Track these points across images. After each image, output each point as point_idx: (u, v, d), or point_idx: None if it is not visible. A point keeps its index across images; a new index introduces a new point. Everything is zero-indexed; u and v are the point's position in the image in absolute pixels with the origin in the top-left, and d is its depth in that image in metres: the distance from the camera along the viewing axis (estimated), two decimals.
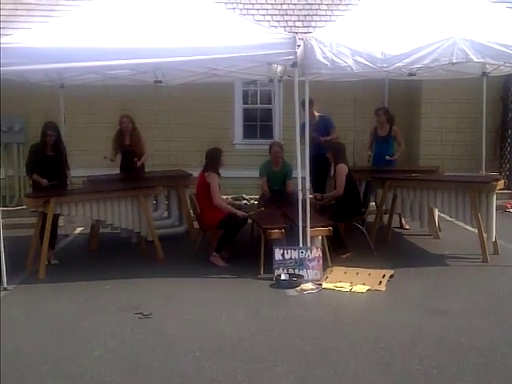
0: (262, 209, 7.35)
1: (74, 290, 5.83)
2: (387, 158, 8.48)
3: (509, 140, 11.18)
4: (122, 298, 5.54)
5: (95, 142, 10.05)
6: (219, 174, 6.87)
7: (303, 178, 6.22)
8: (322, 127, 8.53)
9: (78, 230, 8.62)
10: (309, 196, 6.34)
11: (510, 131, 11.16)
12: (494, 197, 6.74)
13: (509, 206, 10.04)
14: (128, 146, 8.22)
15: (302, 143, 6.20)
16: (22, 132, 10.38)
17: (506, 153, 11.28)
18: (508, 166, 11.21)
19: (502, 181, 7.04)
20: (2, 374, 3.87)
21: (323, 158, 7.58)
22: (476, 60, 6.12)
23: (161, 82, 8.11)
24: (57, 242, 7.16)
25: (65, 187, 7.05)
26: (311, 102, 8.32)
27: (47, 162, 6.83)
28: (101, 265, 6.78)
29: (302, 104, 6.52)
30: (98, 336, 4.61)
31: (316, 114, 8.57)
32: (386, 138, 8.62)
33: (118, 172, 8.37)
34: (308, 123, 6.48)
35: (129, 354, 4.28)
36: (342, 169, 7.05)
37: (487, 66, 7.73)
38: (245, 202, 9.71)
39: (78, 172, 8.13)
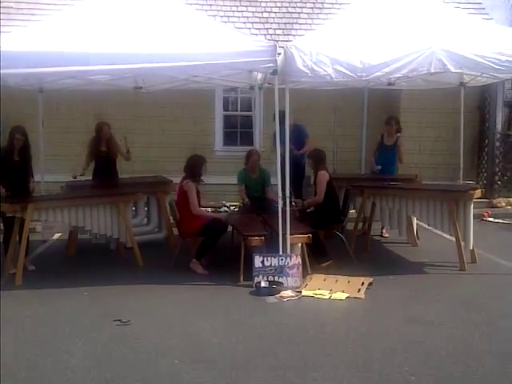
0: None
1: (51, 297, 5.76)
2: (378, 167, 8.52)
3: (486, 149, 11.37)
4: (100, 305, 5.49)
5: (74, 147, 9.96)
6: (201, 181, 6.86)
7: (283, 186, 6.24)
8: (296, 136, 8.52)
9: (56, 235, 8.54)
10: (288, 204, 6.35)
11: (487, 140, 11.34)
12: (472, 205, 6.82)
13: (486, 214, 10.18)
14: (105, 153, 8.14)
15: (282, 151, 6.21)
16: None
17: (484, 162, 11.46)
18: (485, 174, 11.39)
19: (480, 190, 7.13)
20: None
21: (298, 165, 7.60)
22: (454, 70, 6.22)
23: (141, 87, 8.09)
24: (33, 249, 7.06)
25: (28, 195, 6.75)
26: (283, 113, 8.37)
27: (12, 167, 6.60)
28: (79, 271, 6.71)
29: (274, 116, 6.44)
30: (76, 343, 4.56)
31: (290, 123, 8.59)
32: (392, 148, 8.65)
33: (91, 179, 8.20)
34: (288, 131, 6.47)
35: (106, 361, 4.24)
36: (323, 175, 7.08)
37: (465, 76, 7.85)
38: (225, 209, 9.69)
39: (56, 178, 8.06)
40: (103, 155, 8.12)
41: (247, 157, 7.87)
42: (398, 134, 8.72)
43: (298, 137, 8.59)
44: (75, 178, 7.88)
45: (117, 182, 8.11)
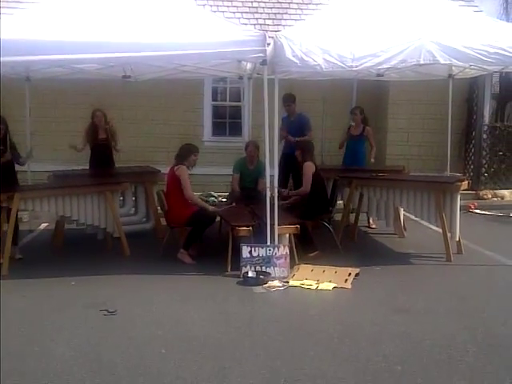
0: (233, 204, 7.36)
1: (38, 287, 5.74)
2: (372, 160, 8.57)
3: (473, 141, 11.43)
4: (87, 295, 5.47)
5: (61, 136, 9.89)
6: (189, 170, 6.85)
7: (272, 176, 6.24)
8: (297, 126, 8.55)
9: (43, 225, 8.49)
10: (276, 193, 6.34)
11: (474, 133, 11.41)
12: (458, 197, 6.86)
13: (472, 206, 10.25)
14: (103, 141, 8.13)
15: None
16: None
17: (471, 154, 11.53)
18: (472, 166, 11.46)
19: (466, 181, 7.17)
20: None
21: (292, 157, 7.62)
22: (443, 62, 6.23)
23: (129, 77, 8.02)
24: (20, 238, 7.02)
25: (15, 182, 6.82)
26: (293, 99, 8.38)
27: None
28: (66, 261, 6.69)
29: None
30: (62, 333, 4.55)
31: (296, 111, 8.62)
32: (359, 138, 8.70)
33: (88, 167, 8.24)
34: (277, 121, 6.47)
35: (93, 351, 4.23)
36: (309, 166, 7.09)
37: (453, 68, 7.86)
38: (213, 199, 9.69)
39: (43, 167, 8.00)
40: (101, 143, 8.12)
41: (245, 147, 7.86)
42: (367, 128, 8.73)
43: (299, 127, 8.57)
44: (72, 147, 7.94)
45: (104, 172, 8.07)
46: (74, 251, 7.16)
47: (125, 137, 10.26)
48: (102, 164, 8.15)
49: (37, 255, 6.99)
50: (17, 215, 6.53)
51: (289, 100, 8.45)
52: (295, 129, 8.47)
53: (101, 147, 8.16)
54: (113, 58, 5.91)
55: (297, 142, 7.98)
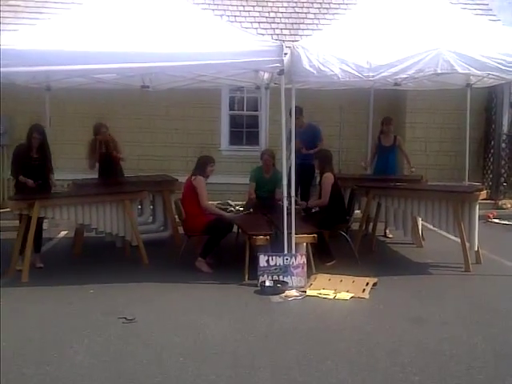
0: (251, 210, 7.39)
1: (57, 294, 5.79)
2: (413, 169, 8.65)
3: (492, 150, 11.34)
4: (106, 303, 5.52)
5: (80, 145, 9.98)
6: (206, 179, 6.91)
7: (289, 185, 6.25)
8: (310, 136, 8.53)
9: (62, 233, 8.58)
10: (294, 203, 6.35)
11: (492, 142, 11.32)
12: (477, 207, 6.82)
13: (491, 216, 10.16)
14: (104, 154, 8.16)
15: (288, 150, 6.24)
16: (6, 134, 10.29)
17: (489, 163, 11.44)
18: (491, 176, 11.36)
19: (485, 191, 7.13)
20: None
21: (307, 166, 7.64)
22: (461, 71, 6.22)
23: (148, 86, 8.12)
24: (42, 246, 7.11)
25: (49, 190, 7.00)
26: (301, 111, 8.36)
27: (32, 165, 6.78)
28: (85, 269, 6.75)
29: (290, 112, 6.56)
30: (81, 340, 4.58)
31: (305, 122, 8.60)
32: (391, 148, 8.64)
33: (97, 177, 8.29)
34: (294, 131, 6.50)
35: (112, 358, 4.26)
36: (329, 178, 7.08)
37: (471, 77, 7.83)
38: (230, 209, 9.71)
39: (62, 175, 8.09)
40: (103, 155, 8.15)
41: (261, 156, 7.88)
42: (398, 137, 8.71)
43: (311, 138, 8.56)
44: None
45: (122, 181, 8.15)
46: (93, 259, 7.22)
47: (142, 146, 10.40)
48: (108, 175, 8.16)
49: (56, 263, 7.06)
50: (40, 223, 6.64)
51: (296, 113, 8.45)
52: (307, 139, 8.42)
53: (103, 159, 8.16)
54: (132, 68, 5.99)
55: (315, 152, 7.96)
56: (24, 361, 4.19)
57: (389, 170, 8.55)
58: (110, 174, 8.17)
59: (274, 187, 7.70)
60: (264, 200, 7.71)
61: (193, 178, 6.85)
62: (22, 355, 4.29)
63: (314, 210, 7.38)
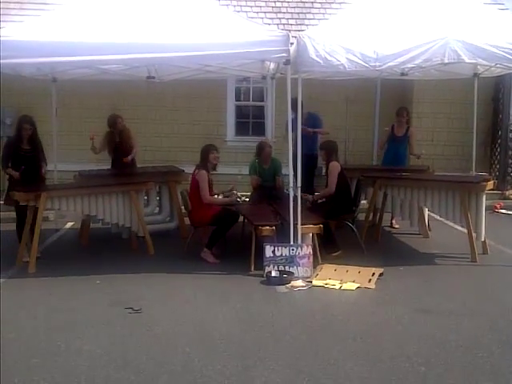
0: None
1: (64, 285, 5.82)
2: (423, 151, 8.54)
3: (499, 141, 11.27)
4: (113, 293, 5.54)
5: (87, 136, 9.98)
6: (213, 170, 6.90)
7: (294, 176, 6.24)
8: (310, 125, 8.53)
9: (69, 224, 8.60)
10: (300, 193, 6.35)
11: (500, 132, 11.24)
12: (484, 197, 6.79)
13: (498, 206, 10.11)
14: (118, 144, 8.18)
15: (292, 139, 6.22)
16: (13, 125, 10.28)
17: (497, 153, 11.37)
18: (498, 166, 11.30)
19: (492, 181, 7.09)
20: None
21: (311, 156, 7.60)
22: (468, 60, 6.17)
23: (153, 77, 8.09)
24: (44, 237, 7.12)
25: (42, 181, 6.94)
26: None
27: (23, 156, 6.70)
28: (91, 260, 6.78)
29: (292, 104, 6.48)
30: (88, 331, 4.61)
31: (306, 111, 8.59)
32: (402, 139, 8.58)
33: (110, 167, 8.34)
34: (300, 119, 6.47)
35: (118, 348, 4.28)
36: (335, 166, 7.07)
37: (479, 66, 7.77)
38: (236, 199, 9.69)
39: (69, 167, 8.11)
40: (118, 146, 8.17)
41: (259, 148, 7.86)
42: (411, 128, 8.67)
43: (312, 126, 8.57)
44: (92, 139, 8.07)
45: (129, 172, 8.15)
46: (100, 250, 7.25)
47: (148, 137, 10.38)
48: (120, 165, 8.17)
49: (63, 254, 7.10)
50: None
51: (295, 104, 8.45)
52: (308, 126, 8.43)
53: (117, 149, 8.17)
54: (138, 59, 5.98)
55: (321, 143, 7.94)
56: (31, 351, 4.22)
57: (398, 160, 8.51)
58: (121, 164, 8.17)
59: (274, 175, 7.78)
60: (267, 189, 7.72)
61: (196, 171, 6.85)
62: (28, 345, 4.32)
63: (320, 201, 7.37)
